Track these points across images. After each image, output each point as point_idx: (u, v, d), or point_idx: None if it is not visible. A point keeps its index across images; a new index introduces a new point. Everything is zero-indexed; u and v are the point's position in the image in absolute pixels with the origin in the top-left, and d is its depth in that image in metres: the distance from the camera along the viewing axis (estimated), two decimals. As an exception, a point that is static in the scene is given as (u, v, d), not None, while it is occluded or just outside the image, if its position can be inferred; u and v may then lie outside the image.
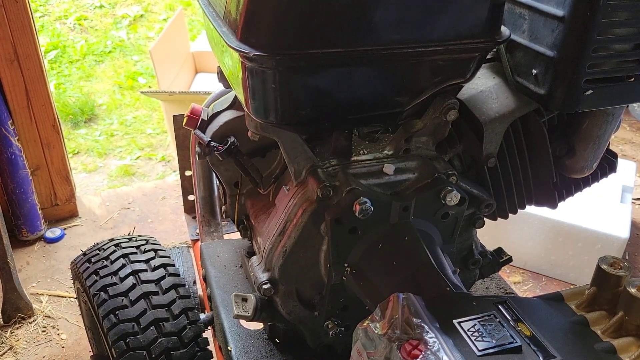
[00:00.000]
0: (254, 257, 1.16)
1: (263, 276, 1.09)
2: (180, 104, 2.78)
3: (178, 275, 1.33)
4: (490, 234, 2.04)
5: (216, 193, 1.62)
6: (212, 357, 1.30)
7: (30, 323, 2.16)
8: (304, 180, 1.03)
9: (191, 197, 1.86)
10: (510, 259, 1.28)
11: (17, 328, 2.13)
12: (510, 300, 0.86)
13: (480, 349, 0.76)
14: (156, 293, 1.27)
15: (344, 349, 1.18)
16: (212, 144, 1.14)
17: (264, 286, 1.08)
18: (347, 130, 1.02)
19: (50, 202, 2.60)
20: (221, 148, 1.13)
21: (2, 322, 2.15)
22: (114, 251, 1.37)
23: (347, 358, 0.86)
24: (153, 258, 1.35)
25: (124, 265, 1.31)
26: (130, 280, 1.28)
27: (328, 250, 1.03)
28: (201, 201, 1.62)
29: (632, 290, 0.86)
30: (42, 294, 2.29)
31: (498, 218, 1.20)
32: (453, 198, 1.02)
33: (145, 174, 3.23)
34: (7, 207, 2.41)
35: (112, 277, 1.29)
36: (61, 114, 3.62)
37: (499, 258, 1.27)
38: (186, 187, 1.89)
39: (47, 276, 2.37)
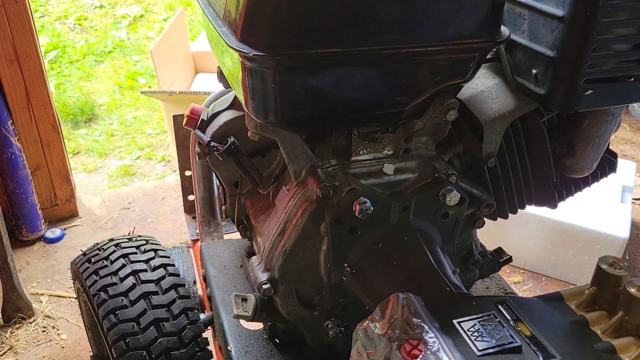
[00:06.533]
0: (254, 257, 1.16)
1: (263, 276, 1.09)
2: (180, 104, 2.78)
3: (178, 275, 1.33)
4: (490, 234, 2.03)
5: (216, 193, 1.62)
6: (212, 357, 1.30)
7: (30, 323, 2.16)
8: (303, 180, 1.03)
9: (191, 197, 1.86)
10: (510, 259, 1.28)
11: (17, 328, 2.13)
12: (510, 300, 0.86)
13: (480, 348, 0.76)
14: (156, 293, 1.26)
15: (344, 349, 1.18)
16: (212, 144, 1.14)
17: (264, 286, 1.08)
18: (347, 130, 1.02)
19: (50, 202, 2.60)
20: (221, 148, 1.13)
21: (2, 322, 2.15)
22: (114, 251, 1.37)
23: (347, 358, 0.86)
24: (153, 258, 1.35)
25: (124, 265, 1.31)
26: (130, 280, 1.28)
27: (328, 250, 1.03)
28: (201, 201, 1.62)
29: (632, 290, 0.86)
30: (42, 294, 2.29)
31: (498, 218, 1.20)
32: (453, 198, 1.02)
33: (145, 174, 3.23)
34: (7, 207, 2.41)
35: (112, 277, 1.29)
36: (61, 114, 3.62)
37: (499, 258, 1.26)
38: (186, 187, 1.89)
39: (47, 276, 2.37)
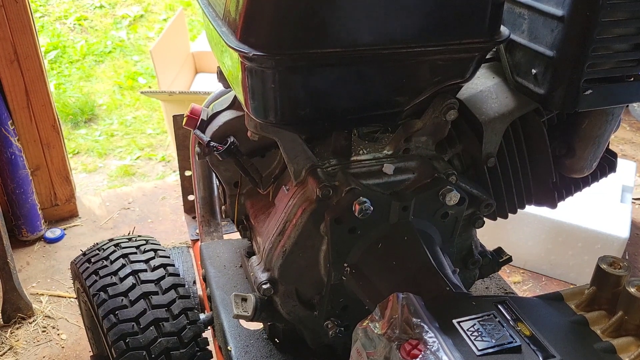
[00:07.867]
0: (254, 257, 1.16)
1: (263, 276, 1.09)
2: (180, 104, 2.78)
3: (178, 275, 1.33)
4: (490, 234, 2.04)
5: (216, 193, 1.62)
6: (212, 357, 1.30)
7: (30, 323, 2.16)
8: (303, 180, 1.03)
9: (191, 197, 1.86)
10: (510, 259, 1.28)
11: (17, 328, 2.13)
12: (510, 300, 0.86)
13: (479, 348, 0.76)
14: (156, 293, 1.27)
15: (343, 349, 1.18)
16: (212, 144, 1.14)
17: (264, 286, 1.08)
18: (347, 130, 1.02)
19: (50, 202, 2.60)
20: (221, 148, 1.13)
21: (2, 322, 2.15)
22: (114, 251, 1.37)
23: (347, 358, 0.86)
24: (153, 258, 1.35)
25: (123, 265, 1.31)
26: (130, 280, 1.28)
27: (328, 250, 1.03)
28: (201, 201, 1.62)
29: (632, 290, 0.86)
30: (42, 294, 2.29)
31: (498, 218, 1.20)
32: (453, 198, 1.02)
33: (145, 174, 3.23)
34: (7, 207, 2.41)
35: (111, 277, 1.29)
36: (61, 114, 3.63)
37: (499, 258, 1.26)
38: (186, 187, 1.89)
39: (47, 276, 2.37)
